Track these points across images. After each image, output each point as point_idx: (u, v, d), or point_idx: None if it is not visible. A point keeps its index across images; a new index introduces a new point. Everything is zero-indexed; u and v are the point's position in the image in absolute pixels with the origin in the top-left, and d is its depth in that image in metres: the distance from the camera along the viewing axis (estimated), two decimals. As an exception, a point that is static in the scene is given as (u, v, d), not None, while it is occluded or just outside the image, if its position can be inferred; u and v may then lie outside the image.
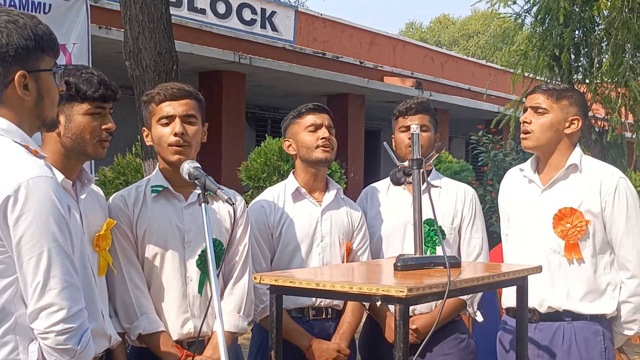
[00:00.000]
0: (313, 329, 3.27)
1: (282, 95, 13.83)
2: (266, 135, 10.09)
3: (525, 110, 3.27)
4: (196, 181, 2.59)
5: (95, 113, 2.62)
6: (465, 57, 23.00)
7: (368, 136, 14.84)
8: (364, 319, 3.56)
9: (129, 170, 8.18)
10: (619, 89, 8.11)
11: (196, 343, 2.83)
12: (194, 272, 2.91)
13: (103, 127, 2.64)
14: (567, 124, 3.19)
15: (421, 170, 2.60)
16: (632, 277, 3.12)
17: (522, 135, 3.25)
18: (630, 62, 7.87)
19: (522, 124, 3.24)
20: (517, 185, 3.36)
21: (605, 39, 8.22)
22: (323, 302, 3.29)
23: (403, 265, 2.47)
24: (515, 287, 2.63)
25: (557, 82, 5.73)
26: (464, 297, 3.40)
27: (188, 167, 2.67)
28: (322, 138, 3.31)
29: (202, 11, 13.13)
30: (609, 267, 3.16)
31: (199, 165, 2.68)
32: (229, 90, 11.94)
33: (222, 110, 11.73)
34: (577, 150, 3.22)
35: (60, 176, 2.55)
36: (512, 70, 8.99)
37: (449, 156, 11.41)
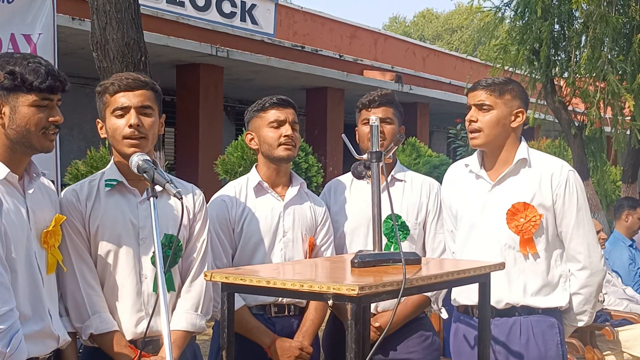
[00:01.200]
0: (275, 327, 3.19)
1: (261, 89, 13.71)
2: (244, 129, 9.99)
3: (469, 108, 3.20)
4: (144, 174, 2.50)
5: (41, 105, 2.50)
6: (446, 51, 22.97)
7: (347, 130, 14.71)
8: (327, 317, 3.48)
9: (102, 164, 8.06)
10: (597, 83, 8.07)
11: (144, 342, 2.73)
12: (148, 269, 2.81)
13: (50, 119, 2.51)
14: (512, 118, 3.15)
15: (380, 164, 2.51)
16: (583, 269, 3.12)
17: (470, 135, 3.19)
18: (609, 56, 7.82)
19: (468, 123, 3.18)
20: (463, 181, 3.30)
21: (583, 33, 8.18)
22: (285, 299, 3.20)
23: (360, 262, 2.38)
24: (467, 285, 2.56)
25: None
26: (429, 294, 3.33)
27: (137, 159, 2.57)
28: (285, 136, 3.22)
29: (181, 4, 13.01)
30: (559, 259, 3.16)
31: (148, 158, 2.58)
32: (207, 84, 11.83)
33: (200, 104, 11.62)
34: (524, 144, 3.20)
35: (5, 170, 2.45)
36: (492, 65, 8.94)
37: (428, 150, 11.34)
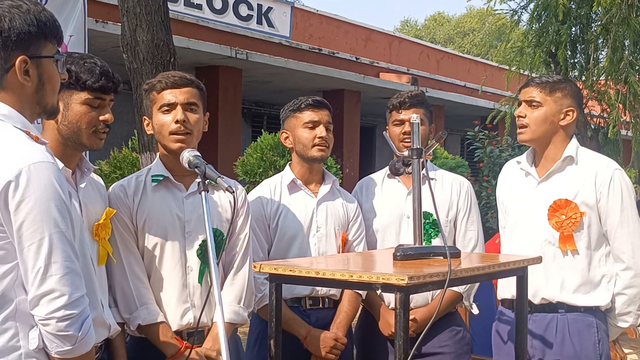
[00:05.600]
0: (310, 319, 3.27)
1: (278, 91, 13.82)
2: (262, 130, 10.08)
3: (519, 104, 3.27)
4: (196, 169, 2.58)
5: (93, 104, 2.59)
6: (460, 54, 23.01)
7: (363, 132, 14.84)
8: (359, 312, 3.55)
9: (125, 164, 8.18)
10: (617, 86, 8.11)
11: (195, 334, 2.82)
12: (194, 262, 2.90)
13: (100, 118, 2.61)
14: (561, 116, 3.18)
15: (421, 160, 2.59)
16: (627, 269, 3.11)
17: (518, 130, 3.25)
18: (630, 58, 7.87)
19: (517, 118, 3.24)
20: (514, 178, 3.36)
21: (601, 35, 8.23)
22: (320, 291, 3.29)
23: (402, 254, 2.46)
24: (510, 278, 2.63)
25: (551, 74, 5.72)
26: (460, 290, 3.41)
27: (188, 155, 2.66)
28: (319, 137, 3.30)
29: (199, 7, 13.11)
30: (604, 259, 3.15)
31: (199, 154, 2.67)
32: (226, 86, 11.93)
33: (219, 106, 11.72)
34: (574, 141, 3.21)
35: (59, 164, 2.53)
36: (507, 67, 8.99)
37: (444, 152, 11.41)
